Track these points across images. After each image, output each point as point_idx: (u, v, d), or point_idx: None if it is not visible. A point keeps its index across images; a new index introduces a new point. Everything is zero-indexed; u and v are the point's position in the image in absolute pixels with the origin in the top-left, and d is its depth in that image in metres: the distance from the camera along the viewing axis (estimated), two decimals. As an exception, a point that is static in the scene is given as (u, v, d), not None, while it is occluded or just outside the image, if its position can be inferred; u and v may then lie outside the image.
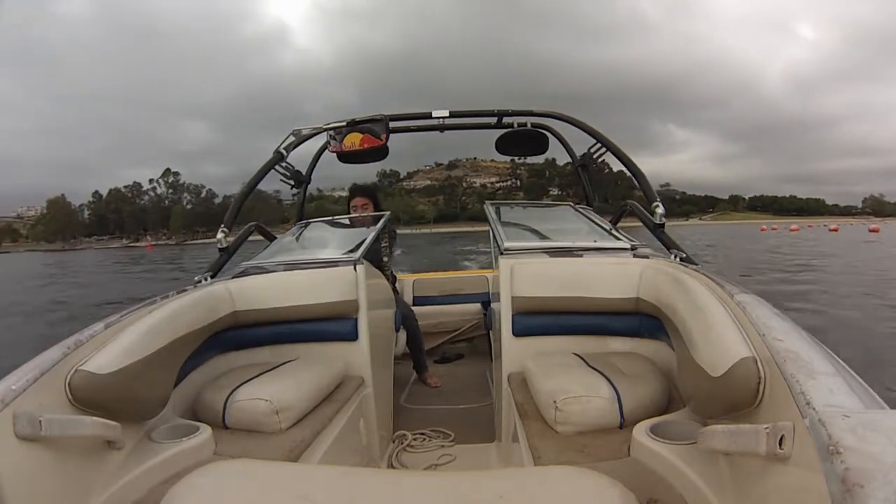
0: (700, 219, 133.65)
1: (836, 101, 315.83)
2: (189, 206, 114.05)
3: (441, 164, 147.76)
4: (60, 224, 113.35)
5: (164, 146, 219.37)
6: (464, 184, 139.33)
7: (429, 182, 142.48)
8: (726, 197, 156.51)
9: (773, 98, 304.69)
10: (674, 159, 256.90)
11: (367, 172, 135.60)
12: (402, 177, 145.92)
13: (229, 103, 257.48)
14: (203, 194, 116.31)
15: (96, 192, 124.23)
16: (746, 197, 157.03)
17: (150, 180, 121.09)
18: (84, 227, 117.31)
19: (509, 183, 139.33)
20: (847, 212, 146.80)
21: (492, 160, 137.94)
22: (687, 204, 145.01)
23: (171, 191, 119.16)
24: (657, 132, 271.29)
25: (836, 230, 39.99)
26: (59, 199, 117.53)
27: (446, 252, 21.09)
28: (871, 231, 37.11)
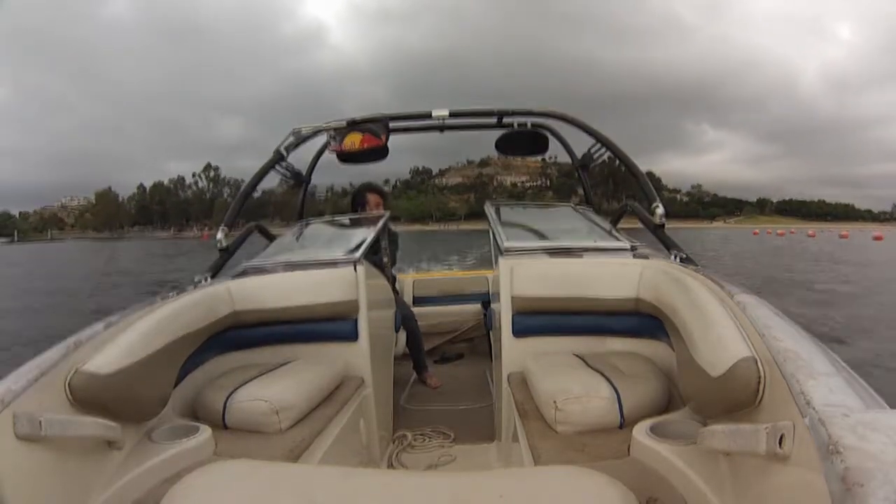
0: (724, 222, 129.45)
1: (877, 102, 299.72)
2: (230, 199, 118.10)
3: (473, 162, 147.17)
4: (109, 215, 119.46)
5: (204, 141, 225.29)
6: (494, 182, 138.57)
7: (460, 180, 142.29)
8: (766, 199, 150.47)
9: (811, 98, 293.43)
10: (707, 160, 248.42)
11: (400, 169, 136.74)
12: (434, 174, 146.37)
13: (266, 100, 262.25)
14: (242, 188, 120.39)
15: (140, 185, 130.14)
16: (774, 200, 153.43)
17: (193, 174, 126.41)
18: (129, 217, 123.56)
19: (539, 182, 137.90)
20: (878, 217, 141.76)
21: (522, 159, 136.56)
22: (713, 206, 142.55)
23: (211, 184, 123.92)
24: (690, 132, 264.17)
25: (812, 235, 45.47)
26: (107, 192, 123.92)
27: (471, 243, 24.68)
28: (840, 237, 40.42)
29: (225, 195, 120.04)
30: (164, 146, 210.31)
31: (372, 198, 2.72)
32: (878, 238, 34.82)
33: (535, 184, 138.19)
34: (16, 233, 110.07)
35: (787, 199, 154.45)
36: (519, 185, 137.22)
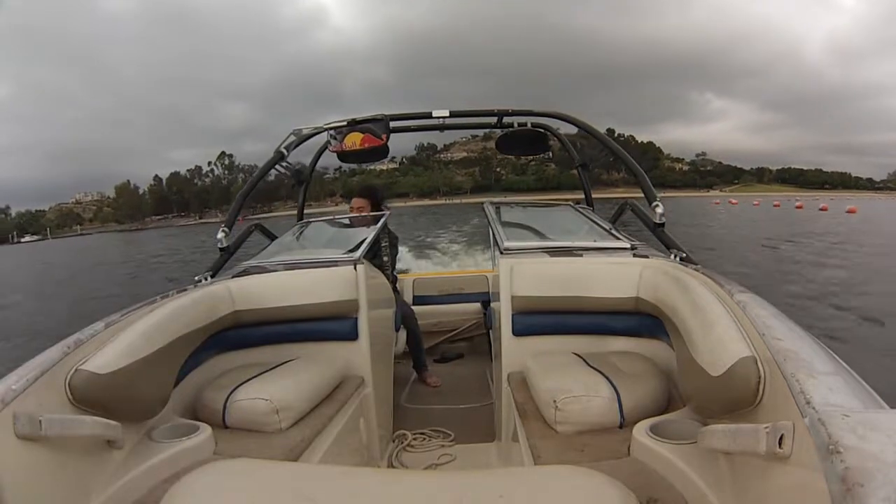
0: (721, 191, 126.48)
1: (881, 71, 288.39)
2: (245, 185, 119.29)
3: (477, 136, 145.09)
4: (132, 206, 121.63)
5: (208, 127, 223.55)
6: (498, 156, 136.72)
7: (465, 154, 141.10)
8: (765, 168, 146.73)
9: (816, 67, 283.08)
10: (712, 129, 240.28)
11: (406, 146, 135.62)
12: (439, 149, 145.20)
13: (269, 84, 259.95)
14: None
15: (156, 175, 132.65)
16: (773, 169, 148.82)
17: (209, 163, 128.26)
18: (149, 207, 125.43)
19: (541, 154, 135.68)
20: (877, 186, 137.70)
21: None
22: (711, 176, 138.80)
23: (226, 172, 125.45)
24: (694, 101, 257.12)
25: (757, 204, 44.82)
26: (126, 185, 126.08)
27: (470, 213, 27.09)
28: (775, 206, 39.37)
29: (240, 181, 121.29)
30: (169, 135, 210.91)
31: (355, 202, 2.67)
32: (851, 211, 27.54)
33: (537, 155, 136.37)
34: (47, 230, 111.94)
35: (786, 167, 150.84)
36: (522, 157, 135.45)
